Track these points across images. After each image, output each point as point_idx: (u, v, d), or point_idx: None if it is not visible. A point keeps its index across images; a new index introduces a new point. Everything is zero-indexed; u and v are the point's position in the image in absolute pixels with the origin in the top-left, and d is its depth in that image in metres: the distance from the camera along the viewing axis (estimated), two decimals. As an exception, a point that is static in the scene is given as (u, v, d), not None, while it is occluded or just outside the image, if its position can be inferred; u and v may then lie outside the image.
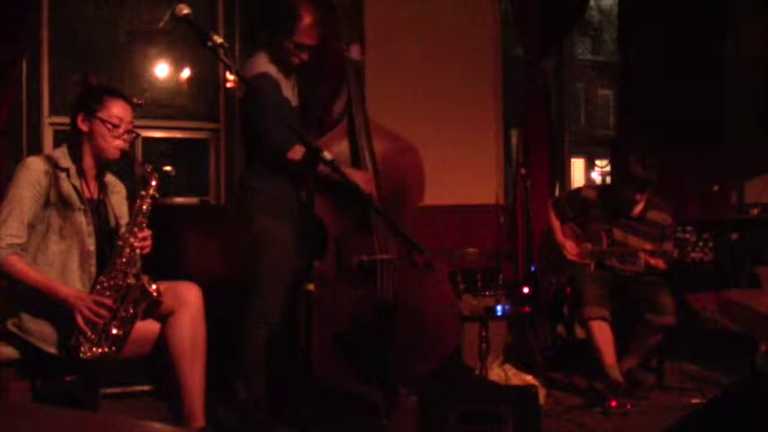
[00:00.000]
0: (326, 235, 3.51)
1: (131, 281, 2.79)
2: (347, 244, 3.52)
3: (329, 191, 3.39)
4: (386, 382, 3.56)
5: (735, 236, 5.07)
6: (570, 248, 4.23)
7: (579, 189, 4.53)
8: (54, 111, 4.47)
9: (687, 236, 3.91)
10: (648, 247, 4.04)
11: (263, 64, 3.39)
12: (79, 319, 2.64)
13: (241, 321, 3.40)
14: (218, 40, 2.39)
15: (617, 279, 4.13)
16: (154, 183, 2.85)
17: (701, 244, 3.87)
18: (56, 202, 2.77)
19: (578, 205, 4.32)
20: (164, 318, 2.86)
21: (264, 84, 3.33)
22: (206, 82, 5.01)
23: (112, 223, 2.95)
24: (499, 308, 3.99)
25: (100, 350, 2.69)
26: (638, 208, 4.17)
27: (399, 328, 3.46)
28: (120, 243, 2.80)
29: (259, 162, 3.43)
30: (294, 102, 3.51)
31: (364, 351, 3.44)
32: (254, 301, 3.40)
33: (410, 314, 3.51)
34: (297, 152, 3.25)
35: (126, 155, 2.89)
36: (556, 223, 4.34)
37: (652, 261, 3.98)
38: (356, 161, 3.57)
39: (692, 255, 3.88)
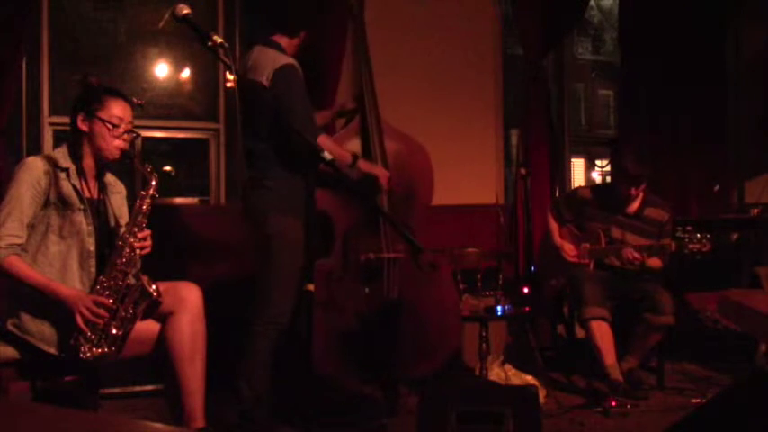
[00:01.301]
0: (334, 232, 3.51)
1: (131, 281, 2.80)
2: (354, 241, 3.53)
3: (338, 188, 3.41)
4: (388, 381, 3.57)
5: (735, 236, 5.07)
6: (568, 250, 4.23)
7: (576, 189, 4.55)
8: (54, 111, 4.46)
9: (687, 235, 3.93)
10: (647, 243, 4.05)
11: (285, 57, 3.39)
12: (78, 320, 2.64)
13: (250, 323, 3.34)
14: (218, 40, 2.39)
15: (617, 278, 4.13)
16: (154, 183, 2.85)
17: (698, 236, 3.89)
18: (56, 202, 2.77)
19: (576, 205, 4.33)
20: (164, 318, 2.86)
21: (298, 76, 3.35)
22: (206, 82, 5.00)
23: (112, 223, 2.95)
24: (499, 308, 3.99)
25: (100, 350, 2.69)
26: (635, 205, 4.18)
27: (403, 328, 3.46)
28: (119, 243, 2.80)
29: (265, 159, 3.37)
30: None
31: (367, 349, 3.44)
32: (266, 303, 3.34)
33: (414, 314, 3.52)
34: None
35: (126, 155, 2.89)
36: (554, 226, 4.36)
37: (633, 255, 3.98)
38: (367, 160, 3.59)
39: (690, 246, 3.90)
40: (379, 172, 3.54)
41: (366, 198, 3.35)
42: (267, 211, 3.36)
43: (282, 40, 3.45)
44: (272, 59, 3.35)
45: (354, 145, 3.62)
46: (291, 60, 3.37)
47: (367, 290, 3.44)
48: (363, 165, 3.50)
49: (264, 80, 3.28)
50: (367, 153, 3.61)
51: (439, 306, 3.63)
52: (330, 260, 3.51)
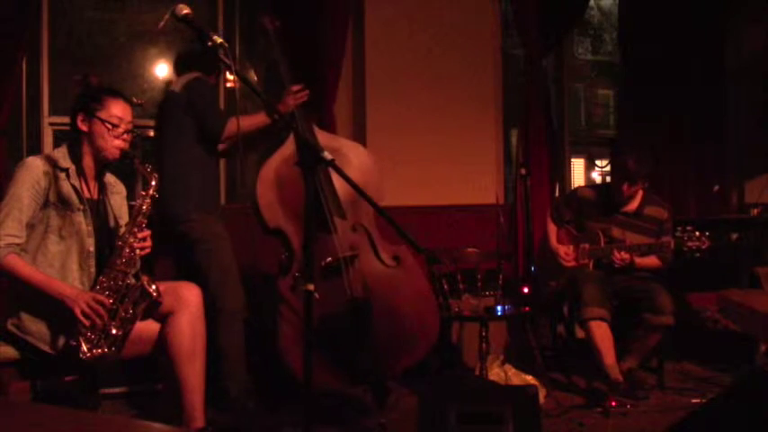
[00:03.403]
0: (292, 246, 3.48)
1: (131, 281, 2.79)
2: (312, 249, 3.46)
3: (288, 200, 3.44)
4: (373, 380, 3.54)
5: (735, 236, 5.07)
6: (565, 255, 4.22)
7: (575, 190, 4.55)
8: (54, 111, 4.46)
9: (685, 234, 3.94)
10: (647, 241, 4.06)
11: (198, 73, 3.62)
12: (77, 312, 2.63)
13: (213, 323, 3.31)
14: (218, 40, 2.39)
15: (616, 278, 4.12)
16: (154, 183, 2.85)
17: (697, 234, 3.91)
18: (55, 202, 2.77)
19: (575, 205, 4.33)
20: (164, 318, 2.86)
21: (208, 84, 3.63)
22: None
23: (112, 223, 2.95)
24: (499, 308, 3.99)
25: (100, 351, 2.68)
26: (635, 204, 4.18)
27: (374, 324, 3.43)
28: (119, 243, 2.80)
29: (182, 161, 3.52)
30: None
31: (344, 351, 3.40)
32: (221, 300, 3.41)
33: (383, 309, 3.47)
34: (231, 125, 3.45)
35: (126, 155, 2.89)
36: (552, 229, 4.35)
37: (622, 256, 4.00)
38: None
39: (689, 243, 3.93)
40: (289, 95, 3.52)
41: (363, 193, 3.33)
42: (189, 215, 3.49)
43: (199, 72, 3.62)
44: (188, 76, 3.57)
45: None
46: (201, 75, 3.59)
47: (317, 295, 3.39)
48: (282, 105, 3.51)
49: (178, 88, 3.52)
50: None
51: (408, 297, 3.57)
52: (289, 275, 3.47)
